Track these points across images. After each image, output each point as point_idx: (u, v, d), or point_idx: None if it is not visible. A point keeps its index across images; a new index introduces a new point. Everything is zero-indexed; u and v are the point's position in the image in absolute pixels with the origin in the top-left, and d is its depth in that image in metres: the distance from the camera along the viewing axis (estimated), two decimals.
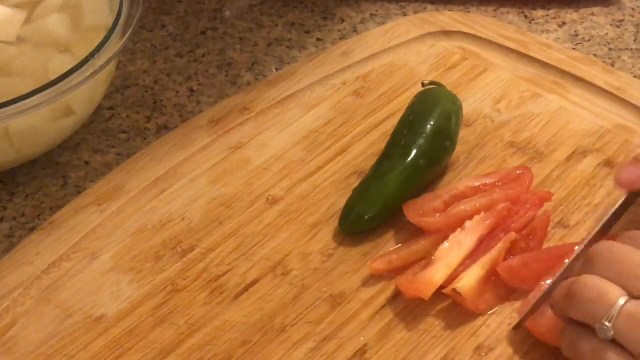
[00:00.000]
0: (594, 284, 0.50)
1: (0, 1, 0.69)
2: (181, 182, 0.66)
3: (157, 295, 0.59)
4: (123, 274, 0.60)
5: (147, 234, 0.63)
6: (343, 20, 0.83)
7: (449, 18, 0.79)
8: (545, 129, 0.68)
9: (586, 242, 0.56)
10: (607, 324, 0.48)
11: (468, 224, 0.59)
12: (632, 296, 0.49)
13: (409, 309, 0.57)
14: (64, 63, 0.65)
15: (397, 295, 0.58)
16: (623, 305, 0.48)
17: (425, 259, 0.58)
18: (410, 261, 0.59)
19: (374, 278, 0.59)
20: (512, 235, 0.59)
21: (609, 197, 0.63)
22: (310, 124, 0.70)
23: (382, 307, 0.57)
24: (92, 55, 0.64)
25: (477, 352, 0.55)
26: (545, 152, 0.67)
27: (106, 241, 0.62)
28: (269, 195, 0.65)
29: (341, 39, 0.81)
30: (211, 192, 0.66)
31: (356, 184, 0.64)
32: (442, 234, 0.59)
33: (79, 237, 0.63)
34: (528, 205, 0.61)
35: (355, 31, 0.82)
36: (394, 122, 0.70)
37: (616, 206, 0.57)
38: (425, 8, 0.84)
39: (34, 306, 0.59)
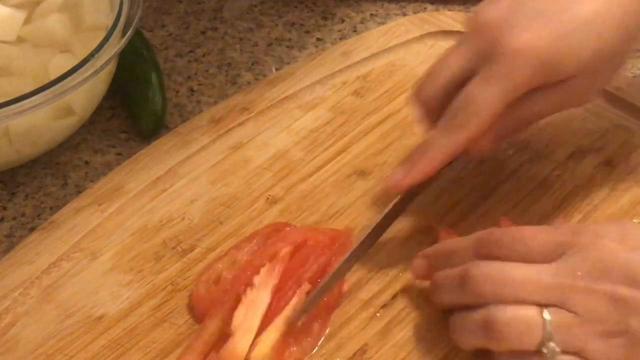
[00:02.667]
0: (514, 317, 0.50)
1: (0, 1, 0.69)
2: (181, 182, 0.66)
3: (157, 295, 0.59)
4: (123, 274, 0.60)
5: (147, 233, 0.63)
6: (343, 20, 0.84)
7: (449, 18, 0.79)
8: (545, 129, 0.68)
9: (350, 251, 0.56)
10: (551, 344, 0.49)
11: (256, 279, 0.55)
12: (541, 305, 0.49)
13: (409, 308, 0.57)
14: (64, 63, 0.65)
15: (397, 295, 0.58)
16: (550, 320, 0.49)
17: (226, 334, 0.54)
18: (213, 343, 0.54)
19: (374, 278, 0.59)
20: (306, 286, 0.56)
21: (609, 196, 0.63)
22: (310, 124, 0.70)
23: (382, 307, 0.58)
24: (92, 55, 0.64)
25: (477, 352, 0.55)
26: (544, 152, 0.67)
27: (106, 241, 0.62)
28: (269, 195, 0.65)
29: (341, 38, 0.81)
30: (211, 191, 0.66)
31: (356, 183, 0.64)
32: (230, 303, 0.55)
33: (79, 236, 0.63)
34: (318, 249, 0.58)
35: (355, 31, 0.82)
36: (394, 122, 0.70)
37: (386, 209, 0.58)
38: (425, 8, 0.84)
39: (34, 306, 0.59)
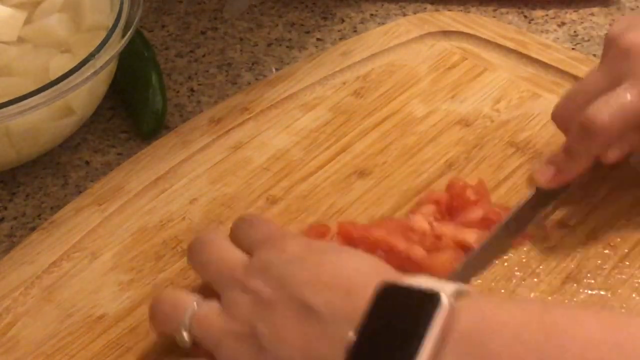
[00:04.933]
0: (167, 297, 0.52)
1: (1, 1, 0.69)
2: (181, 182, 0.66)
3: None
4: (123, 274, 0.60)
5: (147, 233, 0.63)
6: (343, 20, 0.84)
7: (449, 18, 0.79)
8: (545, 129, 0.68)
9: (486, 240, 0.58)
10: (183, 333, 0.50)
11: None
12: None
13: None
14: (64, 63, 0.65)
15: None
16: (194, 310, 0.50)
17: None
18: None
19: None
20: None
21: (609, 196, 0.63)
22: (310, 124, 0.70)
23: None
24: (92, 55, 0.64)
25: None
26: (544, 152, 0.67)
27: (106, 241, 0.63)
28: (269, 195, 0.65)
29: (341, 39, 0.81)
30: (211, 191, 0.66)
31: (356, 183, 0.64)
32: None
33: (79, 236, 0.63)
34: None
35: (355, 31, 0.82)
36: (393, 122, 0.70)
37: (520, 204, 0.60)
38: (425, 8, 0.84)
39: (34, 305, 0.59)
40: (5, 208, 0.68)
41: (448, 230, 0.60)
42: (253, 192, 0.65)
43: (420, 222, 0.61)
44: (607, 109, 0.55)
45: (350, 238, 0.61)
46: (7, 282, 0.60)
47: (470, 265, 0.58)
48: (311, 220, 0.63)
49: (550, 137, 0.68)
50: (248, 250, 0.53)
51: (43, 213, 0.67)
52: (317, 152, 0.68)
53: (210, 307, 0.50)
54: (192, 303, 0.51)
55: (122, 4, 0.68)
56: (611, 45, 0.58)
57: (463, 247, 0.60)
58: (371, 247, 0.59)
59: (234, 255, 0.53)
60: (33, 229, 0.65)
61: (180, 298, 0.52)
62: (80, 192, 0.67)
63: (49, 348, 0.56)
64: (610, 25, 0.71)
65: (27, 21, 0.69)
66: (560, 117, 0.61)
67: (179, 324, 0.50)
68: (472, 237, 0.60)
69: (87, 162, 0.71)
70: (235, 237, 0.55)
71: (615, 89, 0.56)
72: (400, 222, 0.62)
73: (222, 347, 0.49)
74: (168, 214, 0.64)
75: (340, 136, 0.69)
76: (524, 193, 0.64)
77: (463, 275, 0.57)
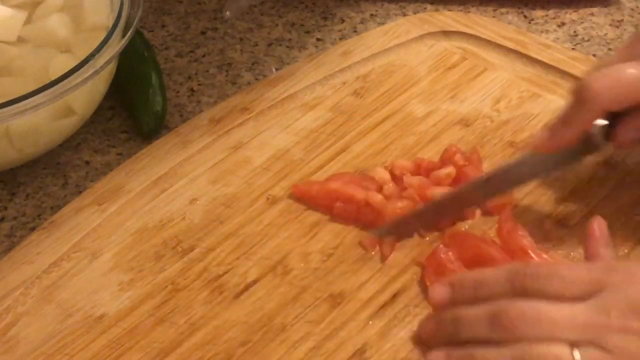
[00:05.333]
0: (543, 355, 0.49)
1: (1, 1, 0.69)
2: (181, 182, 0.66)
3: (158, 295, 0.59)
4: (123, 274, 0.60)
5: (147, 233, 0.63)
6: (343, 20, 0.84)
7: (449, 18, 0.79)
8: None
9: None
10: None
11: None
12: (573, 344, 0.49)
13: (408, 308, 0.57)
14: (65, 63, 0.65)
15: (397, 295, 0.58)
16: (580, 356, 0.48)
17: None
18: None
19: (374, 278, 0.59)
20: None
21: (609, 196, 0.63)
22: (310, 124, 0.70)
23: (382, 307, 0.58)
24: (92, 55, 0.64)
25: None
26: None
27: (106, 241, 0.63)
28: (269, 195, 0.65)
29: (341, 39, 0.81)
30: (211, 191, 0.66)
31: None
32: None
33: (79, 236, 0.63)
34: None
35: (355, 31, 0.82)
36: (393, 122, 0.70)
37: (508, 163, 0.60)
38: (425, 8, 0.84)
39: (34, 305, 0.59)
40: (6, 208, 0.68)
41: (415, 181, 0.62)
42: (253, 192, 0.65)
43: (381, 172, 0.64)
44: (602, 77, 0.55)
45: (309, 195, 0.63)
46: (7, 282, 0.60)
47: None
48: (311, 220, 0.63)
49: None
50: (558, 297, 0.50)
51: (43, 213, 0.67)
52: (317, 152, 0.68)
53: (593, 353, 0.48)
54: (573, 354, 0.48)
55: (122, 4, 0.68)
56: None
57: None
58: (329, 199, 0.62)
59: (570, 308, 0.49)
60: (33, 229, 0.65)
61: (557, 353, 0.49)
62: (80, 192, 0.67)
63: (49, 348, 0.56)
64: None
65: (27, 21, 0.69)
66: (555, 135, 0.60)
67: None
68: (439, 192, 0.61)
69: (87, 162, 0.71)
70: (547, 291, 0.51)
71: (620, 63, 0.56)
72: (355, 175, 0.64)
73: None
74: (168, 213, 0.64)
75: (340, 136, 0.69)
76: (524, 192, 0.64)
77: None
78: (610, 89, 0.55)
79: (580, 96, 0.56)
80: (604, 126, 0.57)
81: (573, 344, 0.48)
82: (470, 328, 0.52)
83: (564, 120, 0.58)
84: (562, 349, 0.48)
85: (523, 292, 0.51)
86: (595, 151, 0.59)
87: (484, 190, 0.61)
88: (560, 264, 0.53)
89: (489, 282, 0.53)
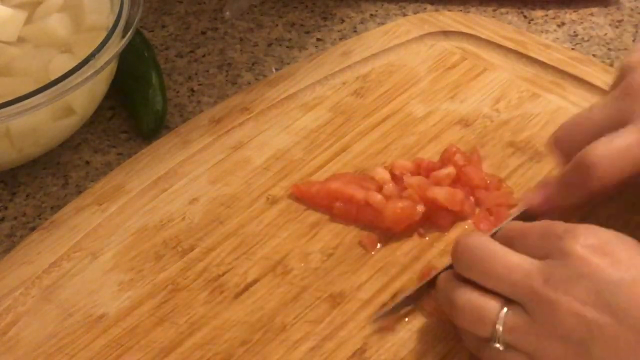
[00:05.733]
0: (470, 305, 0.50)
1: (1, 1, 0.69)
2: (181, 182, 0.66)
3: (158, 295, 0.59)
4: (123, 273, 0.60)
5: (147, 233, 0.63)
6: (343, 20, 0.84)
7: (449, 18, 0.79)
8: (545, 129, 0.69)
9: None
10: (496, 345, 0.49)
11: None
12: (507, 301, 0.49)
13: (408, 308, 0.57)
14: (65, 63, 0.65)
15: (397, 294, 0.58)
16: (504, 319, 0.49)
17: None
18: None
19: (374, 277, 0.59)
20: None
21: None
22: (310, 124, 0.71)
23: (382, 307, 0.58)
24: (92, 55, 0.64)
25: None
26: (544, 152, 0.67)
27: (107, 240, 0.63)
28: (269, 195, 0.65)
29: (341, 39, 0.81)
30: (211, 191, 0.66)
31: None
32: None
33: (79, 236, 0.63)
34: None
35: (355, 31, 0.82)
36: (393, 122, 0.70)
37: (510, 218, 0.58)
38: (425, 8, 0.84)
39: (34, 305, 0.59)
40: (6, 208, 0.68)
41: (415, 181, 0.62)
42: (253, 192, 0.65)
43: (381, 172, 0.64)
44: (605, 153, 0.52)
45: (308, 195, 0.63)
46: (8, 281, 0.60)
47: None
48: (311, 220, 0.63)
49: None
50: (529, 254, 0.50)
51: (43, 213, 0.67)
52: (317, 152, 0.68)
53: (520, 317, 0.48)
54: (498, 310, 0.49)
55: (122, 4, 0.68)
56: (624, 76, 0.55)
57: (431, 202, 0.61)
58: (329, 199, 0.62)
59: (521, 261, 0.49)
60: (33, 229, 0.65)
61: (484, 306, 0.49)
62: (80, 192, 0.67)
63: (49, 348, 0.56)
64: (627, 53, 0.69)
65: (28, 21, 0.69)
66: (562, 143, 0.58)
67: (488, 335, 0.49)
68: (439, 193, 0.61)
69: (88, 162, 0.71)
70: (508, 244, 0.51)
71: (619, 130, 0.53)
72: (355, 175, 0.64)
73: (539, 356, 0.48)
74: (168, 213, 0.64)
75: (340, 136, 0.69)
76: (524, 192, 0.64)
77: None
78: (614, 168, 0.52)
79: (582, 174, 0.54)
80: None
81: (507, 301, 0.49)
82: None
83: (566, 187, 0.56)
84: (490, 303, 0.49)
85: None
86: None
87: None
88: (526, 225, 0.53)
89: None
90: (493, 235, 0.53)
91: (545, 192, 0.57)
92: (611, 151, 0.52)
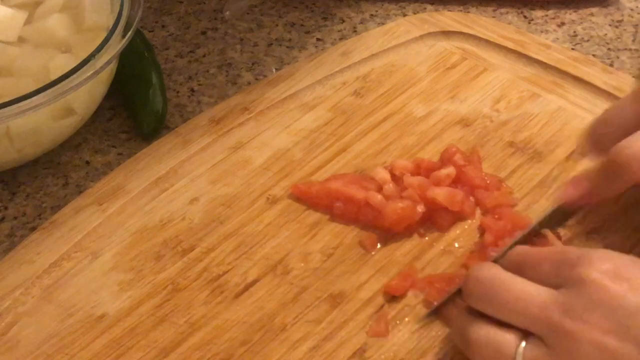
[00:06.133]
0: (487, 340, 0.49)
1: (1, 1, 0.69)
2: (182, 182, 0.66)
3: (158, 295, 0.59)
4: (124, 273, 0.60)
5: (147, 233, 0.63)
6: (343, 21, 0.84)
7: (449, 18, 0.79)
8: (544, 129, 0.69)
9: (505, 248, 0.56)
10: None
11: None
12: (524, 334, 0.48)
13: (408, 308, 0.58)
14: (65, 63, 0.65)
15: (397, 294, 0.58)
16: (523, 353, 0.47)
17: None
18: None
19: (374, 277, 0.59)
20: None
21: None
22: (310, 124, 0.71)
23: (382, 307, 0.58)
24: (92, 56, 0.64)
25: None
26: (544, 152, 0.67)
27: (107, 240, 0.63)
28: (269, 195, 0.65)
29: (341, 39, 0.81)
30: (211, 191, 0.66)
31: None
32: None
33: (79, 236, 0.63)
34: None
35: (355, 31, 0.82)
36: (393, 122, 0.70)
37: (541, 216, 0.57)
38: (425, 8, 0.84)
39: (35, 305, 0.59)
40: (6, 208, 0.68)
41: (415, 181, 0.62)
42: (253, 192, 0.65)
43: (381, 172, 0.64)
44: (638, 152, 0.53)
45: (308, 195, 0.63)
46: (8, 281, 0.60)
47: None
48: (311, 220, 0.63)
49: (550, 137, 0.68)
50: (543, 283, 0.49)
51: (43, 213, 0.67)
52: (317, 152, 0.68)
53: (539, 350, 0.47)
54: (516, 344, 0.48)
55: (122, 4, 0.68)
56: None
57: (431, 203, 0.61)
58: (329, 199, 0.62)
59: (536, 292, 0.48)
60: (33, 229, 0.65)
61: (502, 341, 0.48)
62: (80, 192, 0.68)
63: (49, 348, 0.56)
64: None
65: (28, 21, 0.69)
66: (594, 138, 0.58)
67: None
68: (439, 193, 0.61)
69: (88, 162, 0.71)
70: (519, 271, 0.50)
71: None
72: (355, 175, 0.64)
73: None
74: (168, 213, 0.64)
75: (340, 136, 0.69)
76: (524, 192, 0.64)
77: None
78: None
79: (617, 171, 0.54)
80: None
81: (524, 334, 0.48)
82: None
83: (597, 185, 0.57)
84: (508, 337, 0.48)
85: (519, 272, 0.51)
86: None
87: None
88: (538, 251, 0.52)
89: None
90: (500, 259, 0.53)
91: (581, 187, 0.57)
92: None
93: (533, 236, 0.58)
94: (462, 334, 0.51)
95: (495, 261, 0.54)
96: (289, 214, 0.64)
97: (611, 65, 0.77)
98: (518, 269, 0.51)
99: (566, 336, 0.46)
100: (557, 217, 0.60)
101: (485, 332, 0.49)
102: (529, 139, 0.68)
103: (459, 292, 0.55)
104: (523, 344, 0.48)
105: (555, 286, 0.48)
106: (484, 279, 0.50)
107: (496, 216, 0.61)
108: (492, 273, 0.50)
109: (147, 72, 0.74)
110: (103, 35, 0.66)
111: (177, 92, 0.77)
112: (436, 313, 0.57)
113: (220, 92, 0.77)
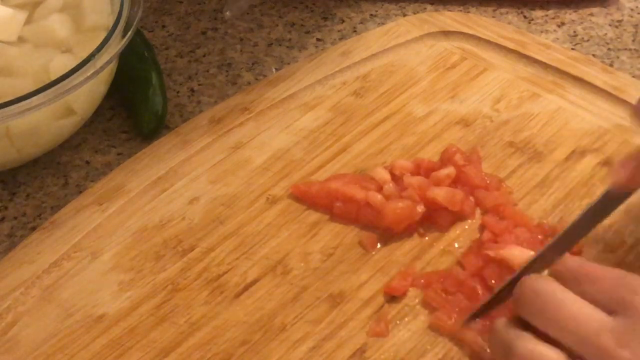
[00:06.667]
0: (532, 354, 0.48)
1: (1, 1, 0.69)
2: (181, 182, 0.67)
3: (158, 295, 0.59)
4: (124, 273, 0.60)
5: (147, 233, 0.63)
6: (343, 20, 0.84)
7: (449, 18, 0.79)
8: (544, 129, 0.69)
9: (549, 244, 0.54)
10: None
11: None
12: (568, 352, 0.47)
13: (408, 308, 0.58)
14: (65, 63, 0.65)
15: (397, 294, 0.58)
16: None
17: None
18: None
19: (374, 277, 0.59)
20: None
21: None
22: (310, 124, 0.71)
23: (382, 306, 0.58)
24: (92, 55, 0.64)
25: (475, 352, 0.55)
26: (544, 152, 0.67)
27: (107, 240, 0.63)
28: (269, 195, 0.65)
29: (341, 39, 0.81)
30: (211, 191, 0.66)
31: None
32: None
33: (79, 236, 0.63)
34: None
35: (355, 31, 0.82)
36: (393, 122, 0.70)
37: (589, 206, 0.55)
38: (425, 8, 0.84)
39: (35, 305, 0.59)
40: (6, 208, 0.68)
41: (415, 181, 0.62)
42: (253, 192, 0.65)
43: (381, 172, 0.64)
44: None
45: (308, 195, 0.63)
46: (8, 281, 0.60)
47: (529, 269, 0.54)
48: (311, 219, 0.63)
49: (550, 137, 0.68)
50: (599, 304, 0.48)
51: (43, 213, 0.67)
52: (317, 152, 0.68)
53: None
54: None
55: (122, 4, 0.68)
56: None
57: (431, 202, 0.61)
58: (329, 199, 0.62)
59: (592, 314, 0.47)
60: (33, 229, 0.65)
61: (546, 355, 0.47)
62: (80, 191, 0.68)
63: (49, 348, 0.56)
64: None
65: (28, 21, 0.69)
66: None
67: None
68: (439, 192, 0.61)
69: (88, 162, 0.71)
70: (575, 283, 0.49)
71: None
72: (355, 175, 0.64)
73: None
74: (168, 213, 0.64)
75: (340, 136, 0.69)
76: (524, 192, 0.64)
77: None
78: None
79: None
80: None
81: (572, 356, 0.47)
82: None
83: None
84: (553, 354, 0.47)
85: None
86: None
87: (572, 238, 0.56)
88: (595, 268, 0.50)
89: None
90: (536, 265, 0.52)
91: (631, 167, 0.54)
92: None
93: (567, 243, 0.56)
94: (505, 346, 0.49)
95: (534, 265, 0.52)
96: (289, 214, 0.64)
97: (611, 65, 0.77)
98: (571, 284, 0.49)
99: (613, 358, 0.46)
100: (605, 207, 0.56)
101: (532, 347, 0.48)
102: (529, 139, 0.68)
103: (492, 303, 0.54)
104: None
105: (610, 310, 0.47)
106: (541, 291, 0.49)
107: (498, 216, 0.61)
108: (551, 287, 0.49)
109: (147, 72, 0.74)
110: (103, 35, 0.66)
111: (177, 92, 0.77)
112: (472, 320, 0.55)
113: (220, 92, 0.77)
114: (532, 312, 0.49)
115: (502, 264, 0.57)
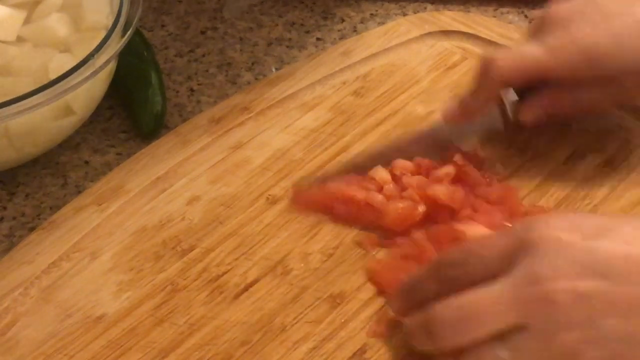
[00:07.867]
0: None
1: (0, 1, 0.69)
2: (181, 182, 0.66)
3: (157, 295, 0.59)
4: (123, 274, 0.60)
5: (147, 233, 0.63)
6: (343, 20, 0.84)
7: (449, 18, 0.79)
8: (545, 129, 0.68)
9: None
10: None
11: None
12: (503, 335, 0.47)
13: None
14: (64, 63, 0.65)
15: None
16: (508, 353, 0.47)
17: None
18: None
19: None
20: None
21: (609, 196, 0.63)
22: (310, 124, 0.70)
23: (382, 307, 0.58)
24: (92, 55, 0.64)
25: None
26: (544, 152, 0.67)
27: (106, 241, 0.63)
28: (269, 195, 0.65)
29: (341, 38, 0.81)
30: (211, 191, 0.66)
31: None
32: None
33: (78, 236, 0.63)
34: None
35: (355, 31, 0.82)
36: (393, 122, 0.70)
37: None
38: (425, 8, 0.84)
39: (34, 305, 0.59)
40: (5, 208, 0.68)
41: (415, 181, 0.62)
42: (253, 192, 0.65)
43: (381, 172, 0.64)
44: (505, 53, 0.63)
45: (307, 199, 0.63)
46: (7, 282, 0.60)
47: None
48: (311, 220, 0.63)
49: (550, 138, 0.68)
50: (484, 274, 0.48)
51: (42, 213, 0.67)
52: (317, 152, 0.68)
53: (522, 341, 0.46)
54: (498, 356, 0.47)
55: (121, 3, 0.68)
56: (544, 12, 0.63)
57: (432, 202, 0.61)
58: (329, 201, 0.62)
59: (489, 291, 0.48)
60: (32, 229, 0.65)
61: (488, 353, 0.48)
62: (79, 192, 0.67)
63: (49, 348, 0.56)
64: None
65: (27, 21, 0.69)
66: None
67: None
68: (439, 189, 0.61)
69: (87, 162, 0.71)
70: (463, 267, 0.50)
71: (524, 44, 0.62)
72: (354, 177, 0.64)
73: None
74: (168, 213, 0.64)
75: (340, 136, 0.69)
76: (524, 192, 0.64)
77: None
78: (511, 64, 0.61)
79: (485, 69, 0.63)
80: (514, 102, 0.65)
81: (501, 337, 0.47)
82: (421, 344, 0.51)
83: (471, 91, 0.64)
84: (487, 352, 0.47)
85: (451, 283, 0.49)
86: (508, 126, 0.66)
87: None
88: (474, 241, 0.51)
89: (421, 285, 0.52)
90: (423, 280, 0.52)
91: (458, 99, 0.65)
92: (510, 51, 0.63)
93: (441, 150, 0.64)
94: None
95: (421, 282, 0.53)
96: (289, 214, 0.64)
97: None
98: (462, 265, 0.50)
99: (538, 304, 0.45)
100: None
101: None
102: (529, 139, 0.68)
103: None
104: (502, 351, 0.47)
105: (505, 269, 0.47)
106: (449, 316, 0.49)
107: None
108: (454, 306, 0.48)
109: (147, 71, 0.74)
110: (102, 34, 0.66)
111: (177, 91, 0.77)
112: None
113: (220, 92, 0.77)
114: (454, 336, 0.48)
115: (458, 237, 0.58)
